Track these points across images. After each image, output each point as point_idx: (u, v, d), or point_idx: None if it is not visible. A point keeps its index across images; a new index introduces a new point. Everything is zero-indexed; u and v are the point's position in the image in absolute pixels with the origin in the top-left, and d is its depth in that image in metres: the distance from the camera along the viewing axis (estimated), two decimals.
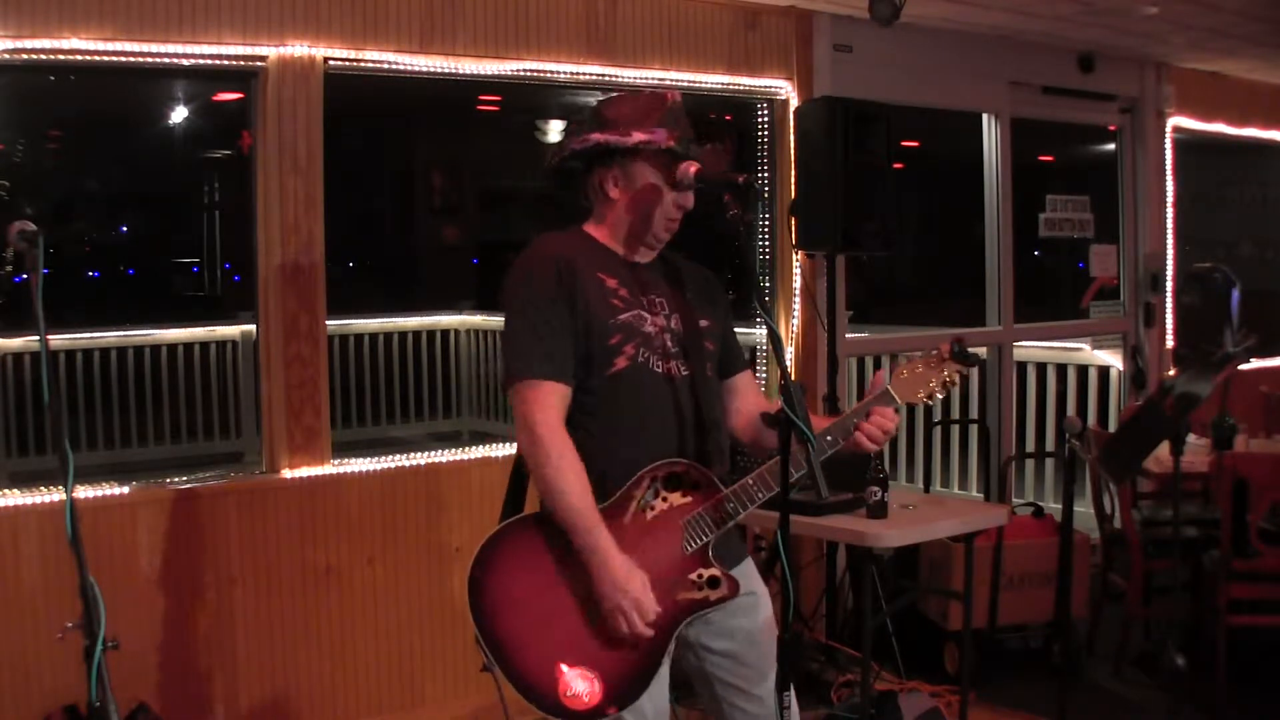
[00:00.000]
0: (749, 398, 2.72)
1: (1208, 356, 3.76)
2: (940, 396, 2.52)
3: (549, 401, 2.41)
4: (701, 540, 2.45)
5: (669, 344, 2.51)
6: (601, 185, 2.55)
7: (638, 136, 2.49)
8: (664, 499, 2.44)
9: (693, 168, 2.48)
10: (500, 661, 2.38)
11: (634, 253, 2.57)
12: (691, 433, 2.50)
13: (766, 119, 5.26)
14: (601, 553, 2.36)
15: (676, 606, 2.44)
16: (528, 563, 2.42)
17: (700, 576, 2.45)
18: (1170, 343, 6.70)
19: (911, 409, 4.77)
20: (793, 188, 5.10)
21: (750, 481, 2.44)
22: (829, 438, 2.45)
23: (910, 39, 5.36)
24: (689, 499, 2.45)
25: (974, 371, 3.58)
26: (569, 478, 2.37)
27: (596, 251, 2.54)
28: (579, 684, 2.36)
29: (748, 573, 2.60)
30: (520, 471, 2.59)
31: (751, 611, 2.57)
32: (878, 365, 7.18)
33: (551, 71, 4.61)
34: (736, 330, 2.79)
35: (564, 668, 2.37)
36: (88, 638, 2.43)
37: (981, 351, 6.37)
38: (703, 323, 2.58)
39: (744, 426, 2.68)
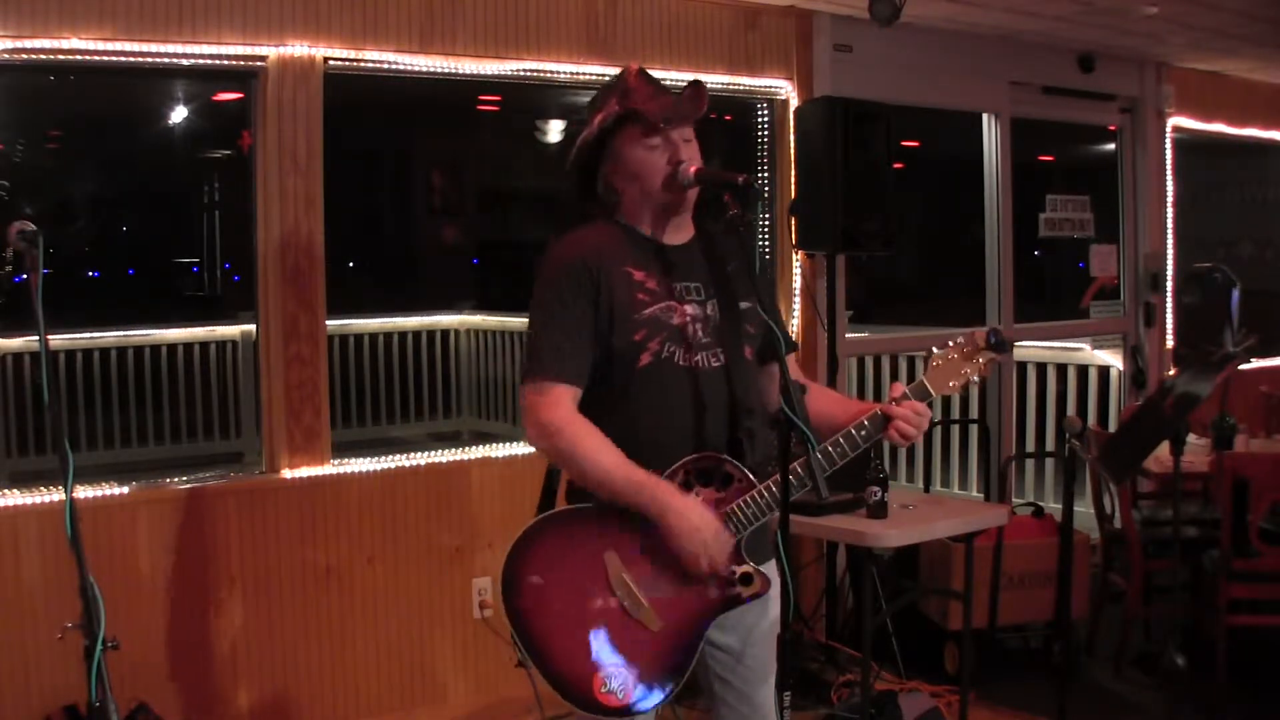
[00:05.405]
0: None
1: (1208, 356, 3.76)
2: (975, 384, 2.47)
3: (557, 400, 2.41)
4: (734, 536, 2.42)
5: (700, 334, 2.48)
6: (608, 183, 2.55)
7: (596, 119, 2.50)
8: (696, 493, 2.42)
9: (692, 167, 2.46)
10: (534, 657, 2.38)
11: (663, 231, 2.54)
12: (722, 424, 2.46)
13: (766, 119, 5.26)
14: (666, 503, 2.34)
15: (709, 603, 2.43)
16: (561, 558, 2.41)
17: (733, 573, 2.43)
18: (1170, 343, 6.69)
19: None
20: (793, 188, 5.10)
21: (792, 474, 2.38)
22: (862, 431, 2.42)
23: (910, 39, 5.36)
24: (722, 494, 2.43)
25: None
26: (603, 453, 2.36)
27: (627, 240, 2.51)
28: (614, 681, 2.36)
29: (771, 572, 2.58)
30: (552, 472, 2.59)
31: (762, 610, 2.55)
32: (878, 365, 7.19)
33: (551, 71, 4.61)
34: None
35: (599, 664, 2.36)
36: (88, 638, 2.43)
37: None
38: (743, 304, 2.53)
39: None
